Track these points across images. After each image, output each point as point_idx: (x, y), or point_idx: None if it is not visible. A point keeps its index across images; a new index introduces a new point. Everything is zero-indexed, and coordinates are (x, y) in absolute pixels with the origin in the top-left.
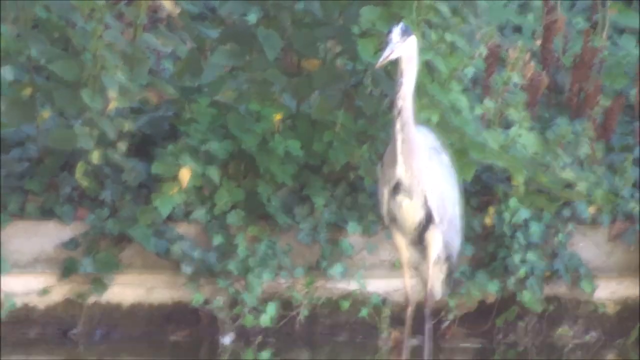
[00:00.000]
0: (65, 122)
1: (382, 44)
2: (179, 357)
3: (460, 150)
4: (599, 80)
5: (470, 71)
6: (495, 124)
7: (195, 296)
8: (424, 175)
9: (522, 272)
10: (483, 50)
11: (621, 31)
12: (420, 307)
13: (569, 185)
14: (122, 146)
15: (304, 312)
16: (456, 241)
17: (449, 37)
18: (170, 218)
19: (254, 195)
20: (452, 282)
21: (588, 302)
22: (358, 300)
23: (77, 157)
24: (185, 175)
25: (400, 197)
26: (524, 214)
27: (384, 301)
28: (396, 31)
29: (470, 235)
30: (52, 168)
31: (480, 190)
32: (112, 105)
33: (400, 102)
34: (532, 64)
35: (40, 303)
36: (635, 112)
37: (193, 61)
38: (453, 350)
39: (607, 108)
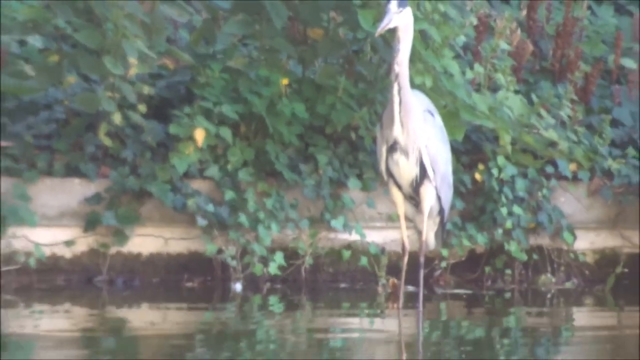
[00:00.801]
0: (89, 87)
1: (381, 14)
2: (194, 302)
3: (451, 112)
4: (580, 47)
5: (461, 39)
6: (484, 87)
7: (208, 247)
8: (419, 135)
9: (508, 224)
10: (473, 20)
11: (600, 2)
12: (415, 257)
13: (552, 145)
14: (142, 108)
15: (308, 261)
16: (448, 196)
17: (441, 7)
18: (186, 175)
19: (263, 154)
20: (444, 233)
21: (569, 252)
22: (358, 250)
23: (100, 119)
24: (200, 135)
25: (397, 155)
26: (510, 170)
27: (382, 251)
28: (393, 3)
29: (461, 191)
30: (78, 129)
31: (470, 149)
32: (133, 71)
33: (397, 68)
34: (518, 32)
35: (67, 253)
36: (612, 76)
37: (207, 30)
38: (445, 296)
39: (586, 73)
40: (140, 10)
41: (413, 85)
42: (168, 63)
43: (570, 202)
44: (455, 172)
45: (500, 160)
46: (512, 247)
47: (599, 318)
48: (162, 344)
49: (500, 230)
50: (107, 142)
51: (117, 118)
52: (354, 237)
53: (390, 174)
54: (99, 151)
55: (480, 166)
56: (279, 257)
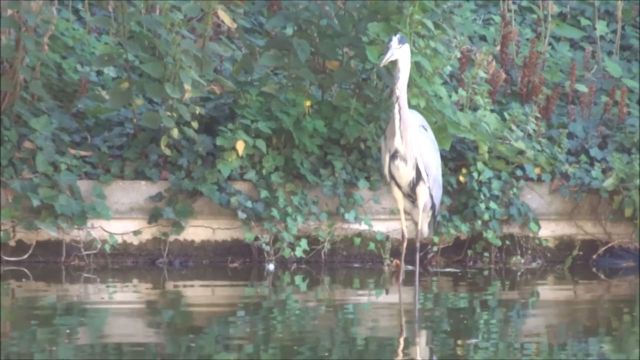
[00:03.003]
0: (152, 108)
1: (384, 49)
2: (236, 279)
3: (440, 127)
4: (542, 75)
5: (448, 69)
6: (466, 107)
7: (247, 235)
8: (415, 146)
9: (486, 216)
10: (457, 54)
11: (558, 39)
12: (412, 243)
13: (521, 153)
14: (195, 125)
15: (327, 246)
16: (438, 194)
17: (432, 44)
18: (229, 178)
19: (290, 161)
20: (436, 224)
21: (534, 239)
22: (367, 237)
23: (161, 133)
24: (240, 146)
25: (398, 162)
26: (487, 174)
27: (386, 238)
28: (394, 40)
29: (448, 190)
30: (143, 141)
31: (456, 157)
32: (187, 95)
33: (397, 92)
34: (494, 63)
35: (135, 240)
36: (568, 98)
37: (246, 63)
38: (436, 274)
39: (548, 96)
40: (193, 47)
41: (410, 105)
42: (215, 89)
43: (535, 198)
44: (444, 175)
45: (480, 165)
46: (489, 234)
47: (558, 291)
48: (211, 312)
49: (479, 221)
50: (167, 152)
51: (175, 133)
52: (363, 227)
53: (392, 177)
54: (160, 159)
55: (464, 170)
56: (303, 243)
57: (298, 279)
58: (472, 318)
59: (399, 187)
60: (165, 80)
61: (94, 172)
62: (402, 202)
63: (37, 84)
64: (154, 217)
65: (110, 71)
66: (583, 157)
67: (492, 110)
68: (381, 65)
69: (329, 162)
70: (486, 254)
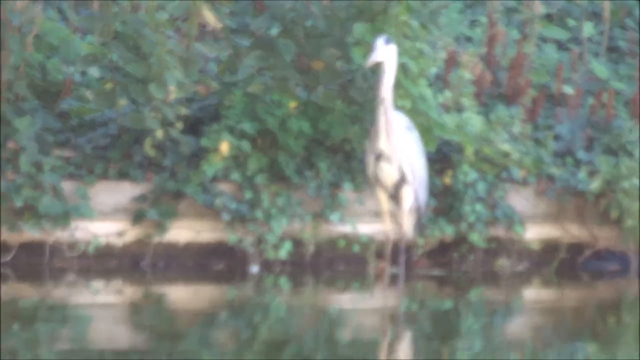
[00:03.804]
0: (137, 108)
1: (370, 50)
2: (220, 281)
3: (426, 129)
4: (529, 77)
5: (434, 70)
6: (452, 109)
7: (231, 237)
8: (400, 147)
9: (471, 218)
10: (443, 55)
11: (545, 41)
12: (397, 245)
13: (506, 155)
14: (179, 126)
15: (311, 249)
16: (423, 196)
17: (418, 45)
18: (214, 179)
19: (275, 162)
20: (420, 226)
21: (520, 241)
22: (351, 239)
23: (146, 134)
24: (225, 147)
25: (383, 163)
26: (473, 176)
27: (371, 240)
28: (380, 41)
29: (434, 191)
30: (128, 142)
31: (441, 158)
32: (172, 96)
33: (383, 93)
34: (480, 65)
35: (118, 242)
36: (555, 100)
37: (231, 63)
38: (421, 277)
39: (534, 98)
40: (178, 47)
41: (395, 107)
42: (200, 89)
43: (520, 201)
44: (429, 176)
45: (465, 167)
46: (474, 237)
47: (544, 294)
48: (195, 313)
49: (465, 224)
50: (151, 152)
51: (159, 133)
52: (348, 229)
53: (376, 178)
54: (144, 160)
55: (449, 172)
56: (287, 245)
57: (282, 280)
58: (457, 320)
59: (384, 188)
60: (149, 81)
61: (78, 173)
62: (386, 204)
63: (22, 84)
64: (137, 218)
65: (94, 71)
66: (569, 160)
67: (478, 112)
68: (367, 66)
69: (314, 163)
70: (471, 256)
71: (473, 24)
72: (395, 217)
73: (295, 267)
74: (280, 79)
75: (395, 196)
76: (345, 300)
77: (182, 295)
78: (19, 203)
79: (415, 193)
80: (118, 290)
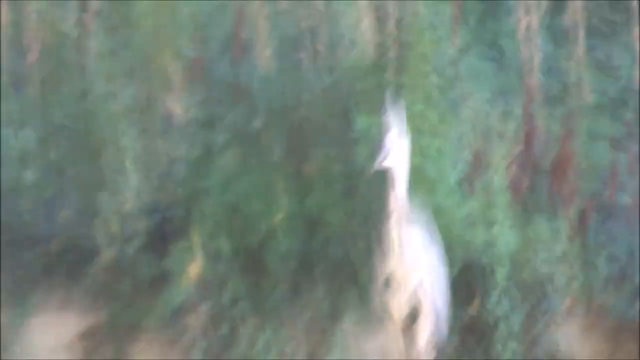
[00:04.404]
0: (84, 221)
1: (376, 149)
2: None
3: (447, 247)
4: (575, 182)
5: (456, 174)
6: (480, 222)
7: None
8: (415, 270)
9: (505, 358)
10: (468, 155)
11: (595, 137)
12: None
13: (548, 279)
14: (137, 243)
15: None
16: (444, 331)
17: (437, 142)
18: (180, 309)
19: (257, 288)
20: None
21: None
22: None
23: (95, 253)
24: (194, 269)
25: (392, 290)
26: (506, 305)
27: None
28: (390, 137)
29: (457, 325)
30: (73, 263)
31: (466, 284)
32: (128, 205)
33: (393, 202)
34: (514, 167)
35: None
36: (608, 211)
37: (202, 164)
38: None
39: (582, 208)
40: (136, 144)
41: (409, 220)
42: (163, 197)
43: (565, 337)
44: (451, 306)
45: (496, 295)
46: None
47: None
48: None
49: None
50: (102, 276)
51: (112, 252)
52: None
53: (385, 309)
54: (94, 285)
55: (476, 301)
56: None
57: None
58: None
59: (395, 321)
60: (100, 187)
61: (10, 302)
62: (398, 340)
63: None
64: (85, 358)
65: (30, 175)
66: (626, 286)
67: (511, 226)
68: (373, 169)
69: (306, 290)
70: None
71: (505, 116)
72: (408, 357)
73: None
74: (264, 184)
75: (408, 331)
76: None
77: None
78: None
79: (433, 327)
80: None
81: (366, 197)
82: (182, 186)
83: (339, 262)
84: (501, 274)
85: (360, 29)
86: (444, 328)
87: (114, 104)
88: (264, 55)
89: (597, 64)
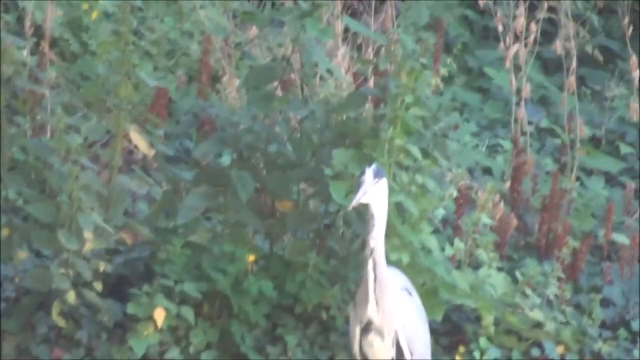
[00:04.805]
0: (41, 263)
1: (354, 185)
2: None
3: (430, 290)
4: (568, 221)
5: (440, 212)
6: (465, 264)
7: None
8: (395, 315)
9: None
10: (453, 192)
11: (589, 172)
12: None
13: (538, 325)
14: (98, 286)
15: None
16: None
17: (419, 179)
18: (145, 358)
19: (227, 335)
20: None
21: None
22: None
23: (53, 297)
24: (160, 315)
25: (372, 337)
26: (493, 353)
27: None
28: (368, 173)
29: None
30: (29, 308)
31: (450, 330)
32: (88, 247)
33: (372, 243)
34: (501, 205)
35: None
36: (602, 253)
37: (168, 202)
38: None
39: (575, 249)
40: (96, 181)
41: (389, 261)
42: (126, 237)
43: None
44: (434, 354)
45: (483, 341)
46: None
47: None
48: None
49: None
50: (60, 322)
51: (70, 297)
52: None
53: (364, 357)
54: (51, 332)
55: (461, 348)
56: None
57: None
58: None
59: None
60: (58, 227)
61: None
62: None
63: None
64: None
65: None
66: (622, 332)
67: (499, 269)
68: (350, 207)
69: (279, 337)
70: None
71: (493, 150)
72: None
73: None
74: (234, 224)
75: None
76: None
77: None
78: None
79: None
80: None
81: (343, 237)
82: (146, 226)
83: (315, 307)
84: (488, 319)
85: (337, 57)
86: None
87: (74, 137)
88: (233, 85)
89: (591, 94)
